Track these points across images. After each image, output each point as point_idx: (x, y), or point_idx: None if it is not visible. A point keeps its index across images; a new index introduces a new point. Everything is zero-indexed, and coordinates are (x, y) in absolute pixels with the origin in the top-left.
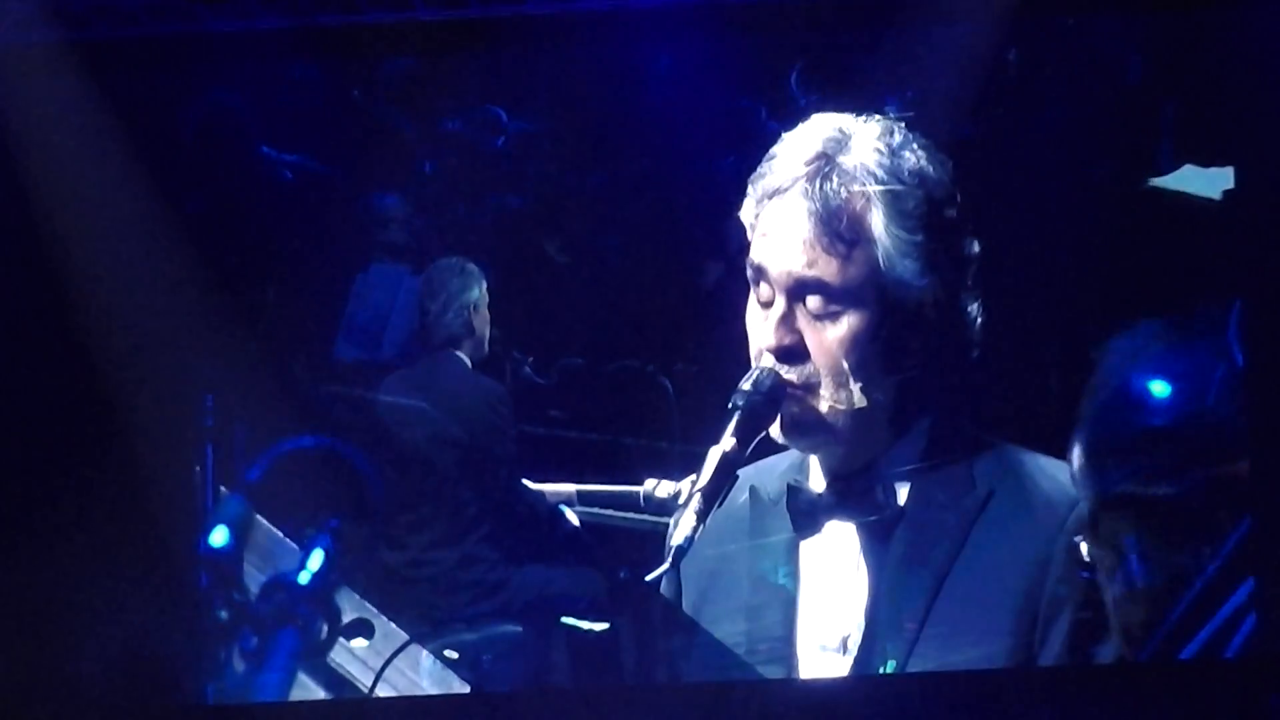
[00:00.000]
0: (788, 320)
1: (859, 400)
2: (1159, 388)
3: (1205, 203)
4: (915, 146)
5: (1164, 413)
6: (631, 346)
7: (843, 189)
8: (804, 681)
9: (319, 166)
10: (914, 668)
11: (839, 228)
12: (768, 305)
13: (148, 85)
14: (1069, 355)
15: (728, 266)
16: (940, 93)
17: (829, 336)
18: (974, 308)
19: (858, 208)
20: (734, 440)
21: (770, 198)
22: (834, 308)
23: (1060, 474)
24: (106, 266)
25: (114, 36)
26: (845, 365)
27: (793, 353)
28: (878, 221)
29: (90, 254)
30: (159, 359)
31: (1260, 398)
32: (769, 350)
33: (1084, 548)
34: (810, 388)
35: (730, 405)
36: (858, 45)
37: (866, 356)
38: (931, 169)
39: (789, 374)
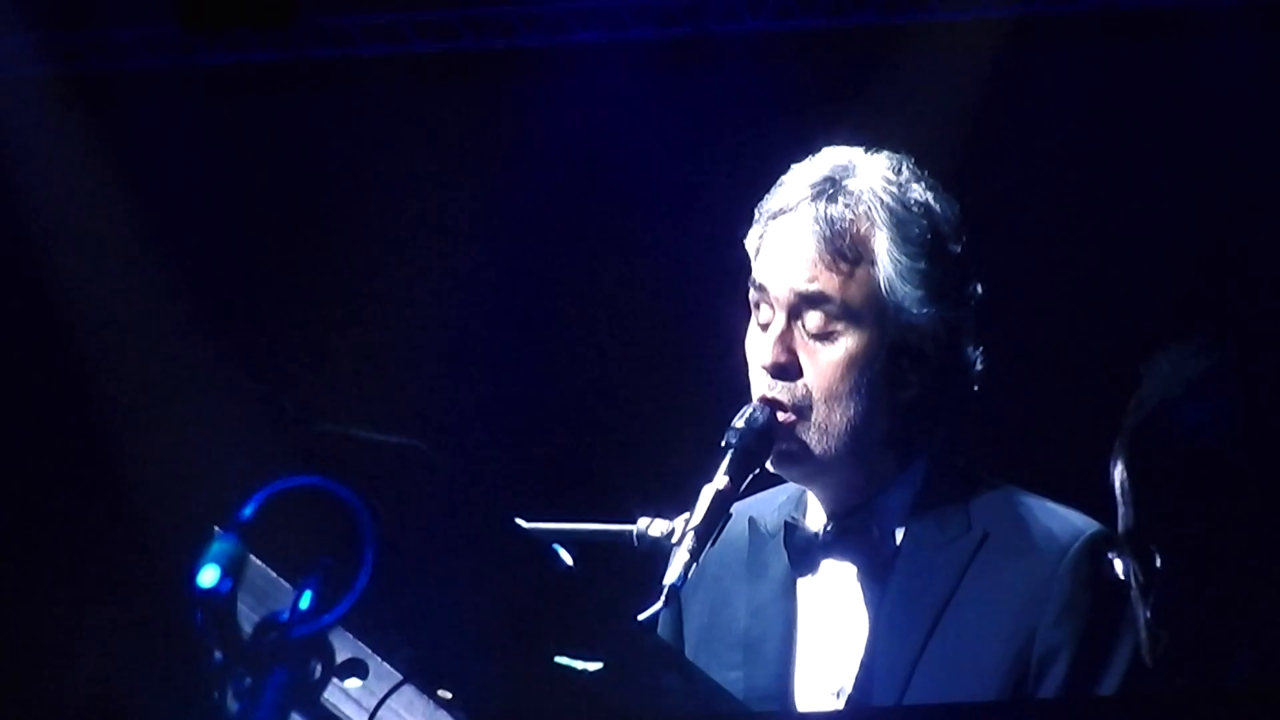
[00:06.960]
0: (785, 338)
1: (850, 427)
2: (1203, 406)
3: (1202, 239)
4: (922, 183)
5: (1209, 431)
6: (625, 381)
7: (848, 211)
8: (799, 715)
9: (311, 201)
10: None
11: (842, 245)
12: (766, 326)
13: (143, 118)
14: (1070, 398)
15: (726, 299)
16: (944, 133)
17: (825, 357)
18: (974, 352)
19: (862, 229)
20: (727, 478)
21: (774, 218)
22: (832, 327)
23: (1058, 518)
24: (101, 298)
25: (108, 70)
26: (839, 389)
27: (786, 370)
28: (881, 244)
29: (86, 286)
30: (153, 398)
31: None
32: (764, 368)
33: (1118, 564)
34: (802, 410)
35: (723, 443)
36: (860, 80)
37: (861, 382)
38: (938, 205)
39: (781, 393)
